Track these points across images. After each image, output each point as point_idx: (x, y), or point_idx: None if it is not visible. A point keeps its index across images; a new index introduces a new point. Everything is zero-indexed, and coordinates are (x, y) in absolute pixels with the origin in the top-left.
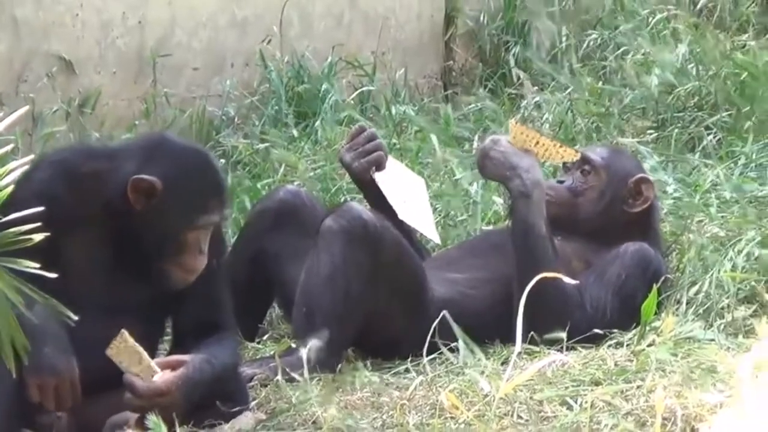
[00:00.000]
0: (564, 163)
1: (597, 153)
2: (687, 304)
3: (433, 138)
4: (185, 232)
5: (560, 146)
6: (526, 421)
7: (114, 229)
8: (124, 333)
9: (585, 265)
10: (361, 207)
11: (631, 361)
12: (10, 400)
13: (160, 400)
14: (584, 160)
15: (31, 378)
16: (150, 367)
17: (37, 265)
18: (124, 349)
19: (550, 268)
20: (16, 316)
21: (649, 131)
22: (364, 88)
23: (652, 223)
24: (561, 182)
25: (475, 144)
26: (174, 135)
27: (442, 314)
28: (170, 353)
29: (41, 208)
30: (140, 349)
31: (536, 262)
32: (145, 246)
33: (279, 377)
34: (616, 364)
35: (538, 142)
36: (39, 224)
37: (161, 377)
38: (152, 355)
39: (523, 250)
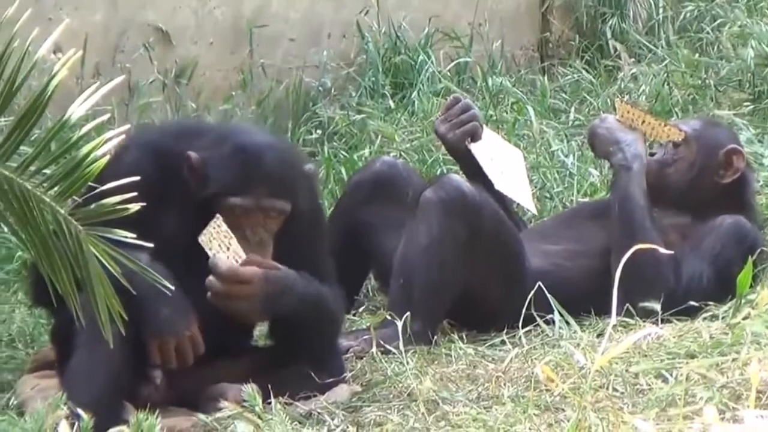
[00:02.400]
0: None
1: (689, 125)
2: None
3: (530, 109)
4: (224, 212)
5: (665, 125)
6: (621, 393)
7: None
8: (219, 218)
9: (681, 237)
10: (460, 178)
11: (726, 334)
12: (113, 371)
13: (240, 289)
14: None
15: (152, 339)
16: (236, 253)
17: (133, 235)
18: (217, 235)
19: (649, 238)
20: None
21: (745, 103)
22: (461, 60)
23: (746, 194)
24: (653, 155)
25: (572, 116)
26: (260, 128)
27: (537, 286)
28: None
29: (136, 178)
30: (231, 234)
31: (634, 233)
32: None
33: (374, 349)
34: (711, 337)
35: (644, 121)
36: (135, 194)
37: (247, 265)
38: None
39: (622, 220)
